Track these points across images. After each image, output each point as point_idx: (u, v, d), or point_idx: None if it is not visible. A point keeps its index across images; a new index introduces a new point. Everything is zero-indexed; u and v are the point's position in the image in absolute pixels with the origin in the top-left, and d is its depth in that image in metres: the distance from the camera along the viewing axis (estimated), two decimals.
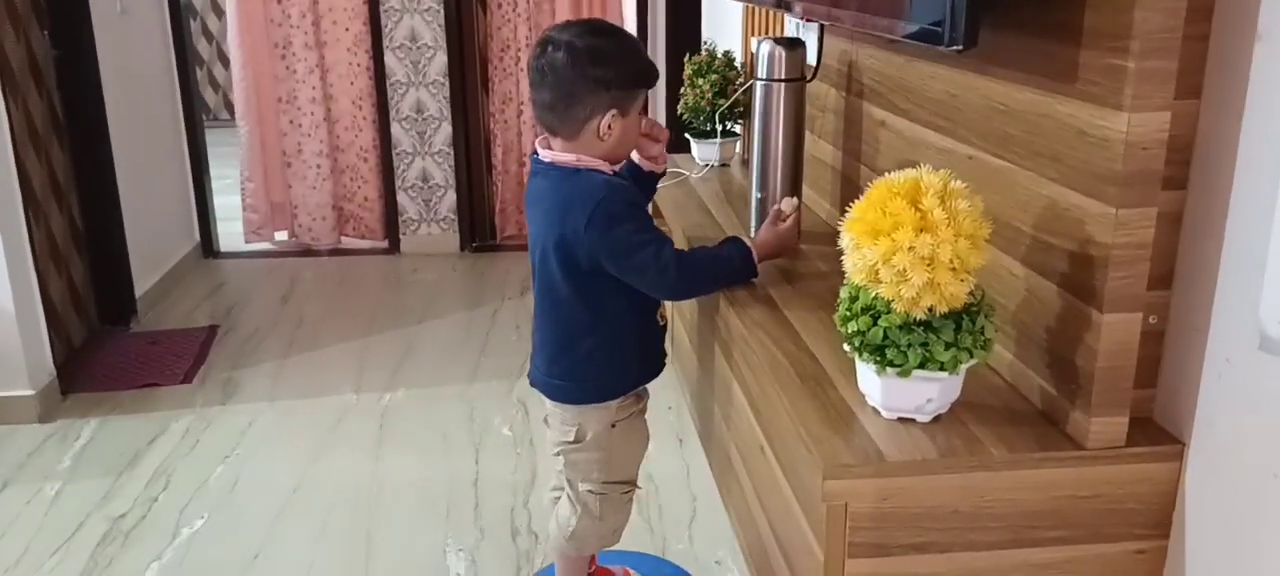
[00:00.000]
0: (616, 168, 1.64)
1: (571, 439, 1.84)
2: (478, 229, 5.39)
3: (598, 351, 1.75)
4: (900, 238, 1.11)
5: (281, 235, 5.39)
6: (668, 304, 1.89)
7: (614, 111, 1.57)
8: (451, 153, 5.22)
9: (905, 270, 1.11)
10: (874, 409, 1.27)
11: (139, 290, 4.37)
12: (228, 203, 5.43)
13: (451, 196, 5.30)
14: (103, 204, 4.13)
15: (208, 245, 5.25)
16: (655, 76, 1.61)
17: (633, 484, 1.96)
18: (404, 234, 5.33)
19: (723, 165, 2.89)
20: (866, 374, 1.24)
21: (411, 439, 3.34)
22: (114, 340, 4.10)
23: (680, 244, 1.99)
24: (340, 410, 3.53)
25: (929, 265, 1.11)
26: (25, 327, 3.36)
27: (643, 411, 1.92)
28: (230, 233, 5.36)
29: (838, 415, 1.27)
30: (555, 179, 1.61)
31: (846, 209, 1.27)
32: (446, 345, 4.14)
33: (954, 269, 1.12)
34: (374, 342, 4.15)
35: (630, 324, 1.75)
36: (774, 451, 1.39)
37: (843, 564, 1.17)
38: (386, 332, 4.27)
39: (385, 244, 5.37)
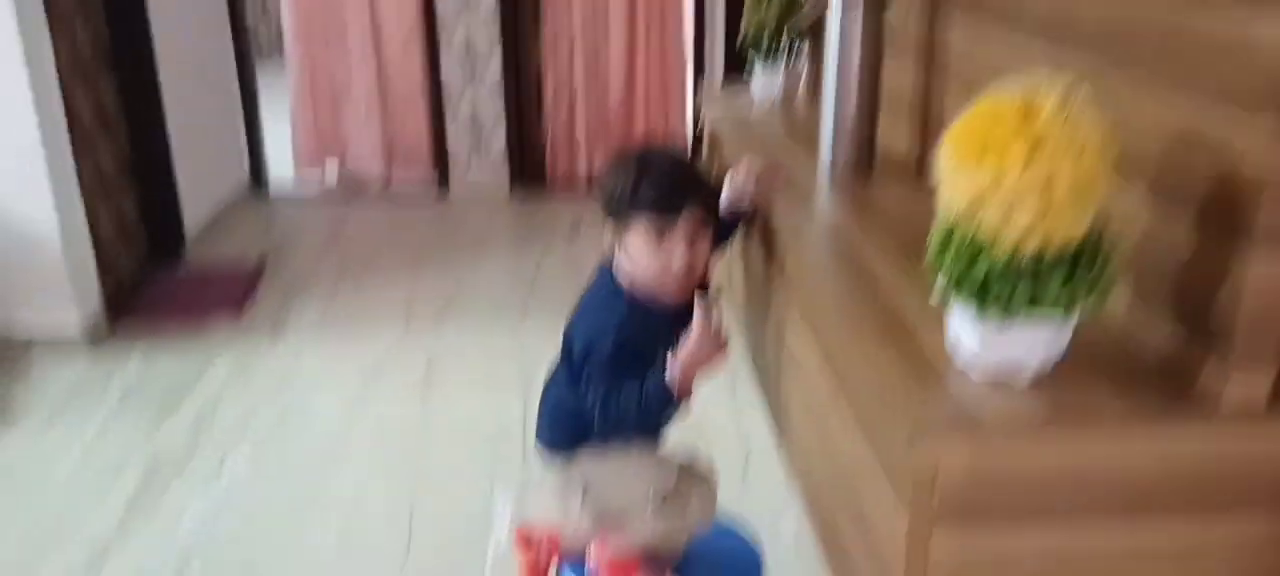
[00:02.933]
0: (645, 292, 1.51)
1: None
2: (527, 169, 5.26)
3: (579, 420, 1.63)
4: (1011, 161, 0.95)
5: (331, 171, 5.32)
6: None
7: (611, 234, 1.54)
8: (502, 88, 5.08)
9: (1015, 200, 0.96)
10: (967, 361, 1.12)
11: (189, 224, 4.33)
12: (278, 138, 5.36)
13: (502, 134, 5.17)
14: (152, 137, 4.07)
15: (258, 180, 5.20)
16: (648, 200, 1.44)
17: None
18: (453, 172, 5.22)
19: (784, 100, 2.72)
20: (961, 321, 1.09)
21: (459, 379, 3.25)
22: (163, 274, 4.06)
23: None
24: (388, 348, 3.46)
25: (1044, 194, 0.96)
26: (73, 259, 3.32)
27: None
28: (280, 168, 5.30)
29: (926, 368, 1.13)
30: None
31: (931, 142, 1.11)
32: (495, 285, 4.04)
33: (1072, 199, 0.96)
34: (422, 281, 4.07)
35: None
36: (849, 405, 1.25)
37: (929, 533, 1.04)
38: (435, 271, 4.18)
39: (434, 182, 5.28)
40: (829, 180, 1.89)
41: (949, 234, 1.06)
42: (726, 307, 2.54)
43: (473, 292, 3.97)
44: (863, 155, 1.86)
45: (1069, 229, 0.98)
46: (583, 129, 5.25)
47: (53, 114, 3.25)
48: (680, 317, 1.47)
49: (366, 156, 5.24)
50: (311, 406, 3.08)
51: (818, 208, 1.77)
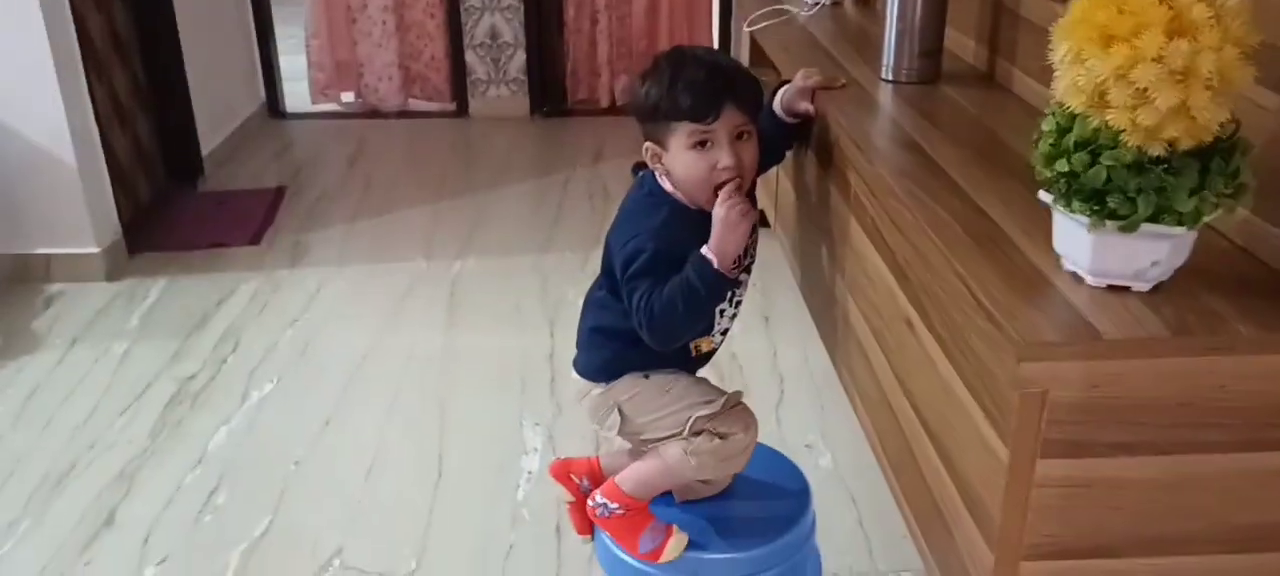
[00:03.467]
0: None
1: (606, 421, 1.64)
2: (548, 92, 5.13)
3: (617, 338, 1.52)
4: (1145, 44, 0.84)
5: (348, 96, 5.20)
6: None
7: (649, 146, 1.42)
8: (521, 8, 4.92)
9: (1148, 88, 0.85)
10: (1074, 274, 1.02)
11: (205, 149, 4.23)
12: (293, 62, 5.23)
13: (521, 56, 5.03)
14: (166, 61, 3.96)
15: (274, 105, 5.09)
16: (685, 105, 1.33)
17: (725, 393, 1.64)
18: (472, 96, 5.09)
19: (835, 1, 2.57)
20: (1070, 229, 0.99)
21: (484, 309, 3.18)
22: (181, 199, 3.98)
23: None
24: (411, 277, 3.38)
25: (1182, 82, 0.85)
26: (89, 184, 3.24)
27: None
28: (296, 93, 5.18)
29: (1027, 282, 1.03)
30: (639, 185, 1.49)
31: (1002, 44, 0.99)
32: (518, 213, 3.95)
33: (1211, 87, 0.85)
34: (444, 208, 3.98)
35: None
36: (931, 324, 1.16)
37: (1032, 464, 0.95)
38: (456, 199, 4.09)
39: (453, 106, 5.15)
40: (891, 88, 1.78)
41: (1061, 132, 0.95)
42: (781, 238, 2.45)
43: (496, 219, 3.88)
44: (929, 60, 1.75)
45: (1206, 124, 0.87)
46: (605, 51, 5.10)
47: (65, 38, 3.13)
48: None
49: (383, 81, 5.11)
50: (335, 334, 3.01)
51: (881, 116, 1.65)
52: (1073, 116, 0.94)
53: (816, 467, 2.38)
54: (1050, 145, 0.96)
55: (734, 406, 1.51)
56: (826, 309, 1.75)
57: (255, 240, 3.62)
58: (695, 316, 1.38)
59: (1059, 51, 0.92)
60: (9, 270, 3.26)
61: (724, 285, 1.37)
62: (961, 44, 1.90)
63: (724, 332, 1.56)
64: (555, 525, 2.20)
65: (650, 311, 1.36)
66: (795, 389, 2.71)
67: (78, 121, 3.17)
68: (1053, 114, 0.97)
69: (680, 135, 1.36)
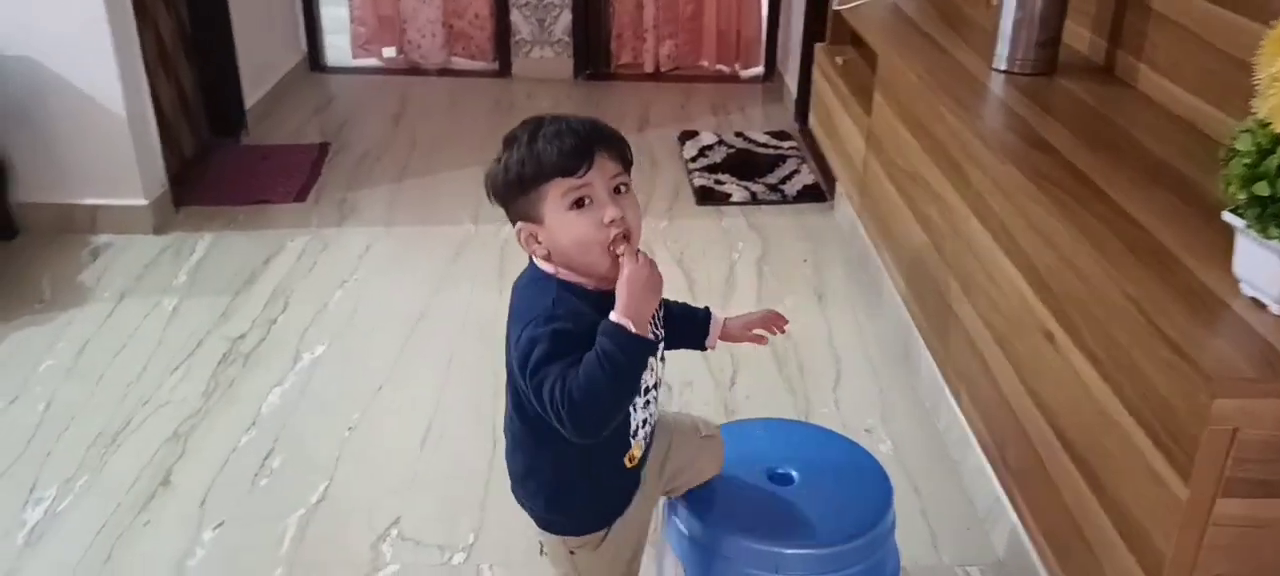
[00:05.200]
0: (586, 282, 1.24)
1: (540, 550, 1.48)
2: (593, 54, 5.05)
3: (551, 482, 1.36)
4: None
5: (389, 51, 5.13)
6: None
7: (521, 227, 1.24)
8: None
9: None
10: (1255, 299, 0.97)
11: (247, 102, 4.18)
12: (334, 15, 5.16)
13: (567, 17, 4.94)
14: (210, 9, 3.89)
15: (314, 58, 5.02)
16: (552, 160, 1.18)
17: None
18: (515, 56, 5.02)
19: None
20: (1261, 255, 0.93)
21: None
22: (225, 153, 3.93)
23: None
24: (459, 240, 3.33)
25: None
26: (138, 135, 3.19)
27: (627, 521, 1.44)
28: (336, 46, 5.11)
29: (1204, 307, 0.97)
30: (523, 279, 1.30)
31: (1124, 36, 0.92)
32: None
33: None
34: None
35: (588, 462, 1.32)
36: (1082, 341, 1.10)
37: (1212, 502, 0.90)
38: None
39: (496, 66, 5.08)
40: (1005, 79, 1.70)
41: (1262, 153, 0.89)
42: (867, 222, 2.38)
43: None
44: (1047, 51, 1.67)
45: None
46: (651, 14, 5.00)
47: None
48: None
49: (426, 37, 5.03)
50: (385, 296, 2.97)
51: (999, 109, 1.58)
52: (1277, 138, 0.87)
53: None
54: (1246, 166, 0.90)
55: None
56: (931, 303, 1.69)
57: (301, 197, 3.58)
58: (621, 391, 1.18)
59: (1266, 69, 0.86)
60: (55, 220, 3.22)
61: (645, 349, 1.18)
62: (1076, 34, 1.82)
63: (647, 432, 1.38)
64: None
65: (569, 397, 1.14)
66: (852, 370, 2.66)
67: (128, 70, 3.11)
68: (1251, 132, 0.91)
69: (553, 198, 1.19)
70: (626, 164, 1.23)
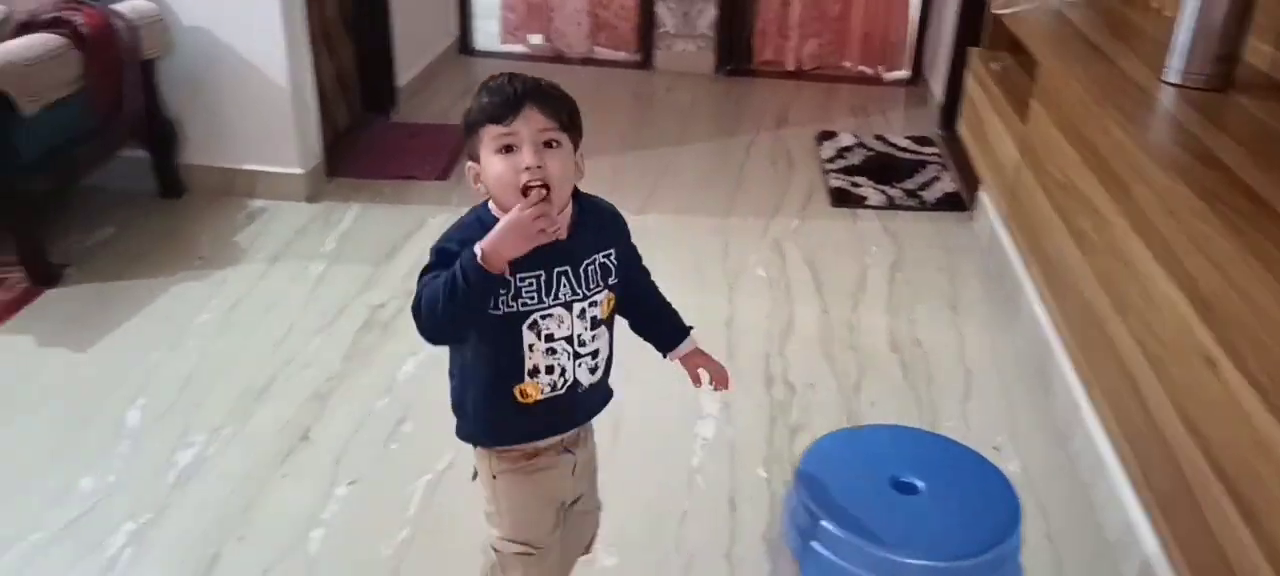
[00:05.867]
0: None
1: (473, 475, 1.59)
2: (735, 50, 5.04)
3: (458, 388, 1.51)
4: None
5: (535, 38, 5.24)
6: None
7: (469, 165, 1.39)
8: None
9: None
10: None
11: (400, 81, 4.34)
12: (486, 1, 5.30)
13: (711, 12, 4.94)
14: None
15: (464, 42, 5.17)
16: (486, 109, 1.31)
17: (533, 548, 1.59)
18: (657, 48, 5.05)
19: None
20: None
21: (664, 268, 3.07)
22: (375, 128, 4.10)
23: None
24: None
25: None
26: (299, 107, 3.36)
27: (546, 467, 1.55)
28: (485, 32, 5.25)
29: None
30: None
31: None
32: (700, 173, 3.90)
33: None
34: (627, 161, 3.96)
35: (478, 376, 1.46)
36: (1247, 370, 1.03)
37: None
38: (639, 152, 4.07)
39: (638, 57, 5.12)
40: (1176, 93, 1.62)
41: None
42: (1015, 233, 2.31)
43: (677, 176, 3.84)
44: (1224, 65, 1.58)
45: None
46: (797, 13, 4.96)
47: None
48: (555, 246, 1.33)
49: (572, 26, 5.12)
50: None
51: (1169, 124, 1.50)
52: None
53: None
54: None
55: (525, 555, 1.54)
56: (1079, 320, 1.62)
57: (444, 175, 3.70)
58: (457, 309, 1.29)
59: None
60: (217, 183, 3.43)
61: (488, 282, 1.28)
62: (1256, 50, 1.71)
63: (557, 380, 1.45)
64: (729, 496, 2.16)
65: (417, 300, 1.33)
66: (983, 384, 2.58)
67: (294, 45, 3.28)
68: None
69: (486, 142, 1.32)
70: (561, 121, 1.33)
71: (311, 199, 3.45)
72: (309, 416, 2.36)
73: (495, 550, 1.59)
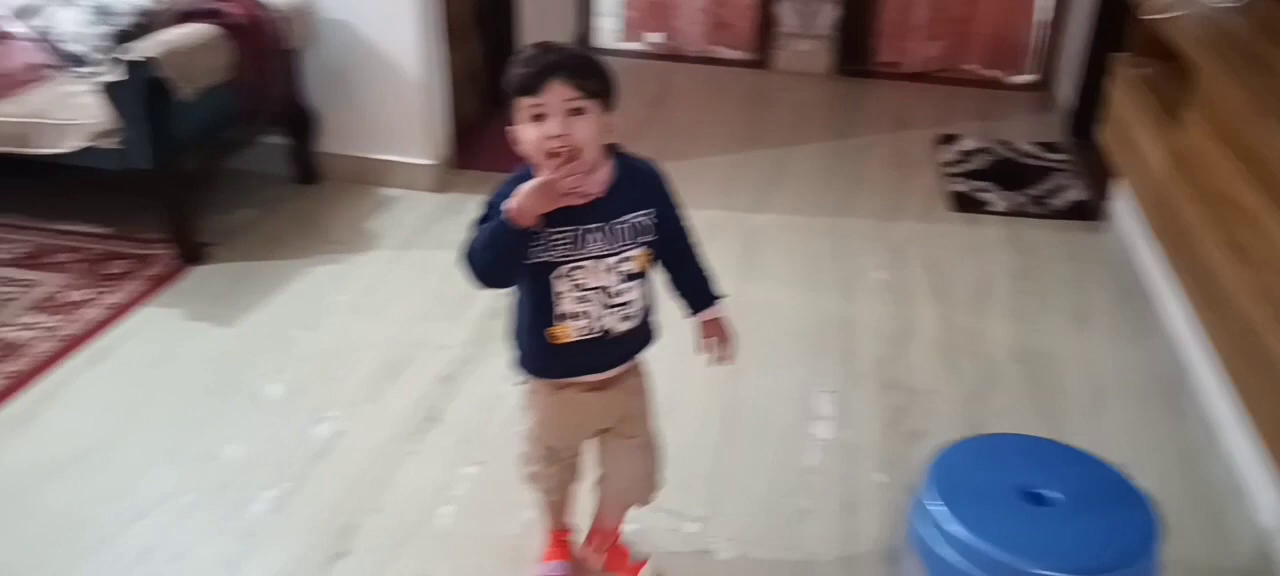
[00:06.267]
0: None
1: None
2: (854, 51, 4.99)
3: (512, 323, 1.71)
4: None
5: (654, 36, 5.29)
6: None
7: (509, 130, 1.53)
8: None
9: None
10: None
11: None
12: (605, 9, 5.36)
13: (833, 12, 4.90)
14: None
15: (585, 39, 5.25)
16: (516, 80, 1.46)
17: (550, 451, 1.82)
18: (776, 48, 5.04)
19: None
20: None
21: (778, 267, 3.15)
22: (499, 122, 4.18)
23: None
24: (707, 224, 3.30)
25: None
26: (430, 100, 3.47)
27: (573, 399, 1.72)
28: (606, 30, 5.31)
29: None
30: None
31: None
32: (817, 173, 3.88)
33: None
34: (742, 159, 3.97)
35: (522, 316, 1.65)
36: None
37: None
38: (755, 151, 4.07)
39: (755, 57, 5.12)
40: None
41: None
42: (1165, 246, 2.25)
43: (794, 176, 3.83)
44: None
45: None
46: (921, 14, 4.88)
47: None
48: (587, 206, 1.50)
49: (691, 24, 5.15)
50: None
51: None
52: None
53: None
54: None
55: (544, 456, 1.80)
56: (1235, 337, 1.57)
57: None
58: (493, 258, 1.52)
59: None
60: (352, 171, 3.57)
61: (518, 236, 1.47)
62: None
63: (590, 325, 1.59)
64: (845, 499, 2.16)
65: (463, 247, 1.56)
66: (1111, 399, 2.52)
67: (428, 38, 3.39)
68: None
69: (521, 111, 1.47)
70: (587, 91, 1.45)
71: (439, 189, 3.56)
72: (437, 397, 2.45)
73: (525, 441, 1.84)
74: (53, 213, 3.23)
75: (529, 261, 1.54)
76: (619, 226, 1.56)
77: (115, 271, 2.95)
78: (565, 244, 1.54)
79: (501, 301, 2.82)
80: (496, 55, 4.23)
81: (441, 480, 2.18)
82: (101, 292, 2.83)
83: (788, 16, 4.96)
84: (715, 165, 3.90)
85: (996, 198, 3.60)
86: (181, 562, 1.95)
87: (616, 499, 1.91)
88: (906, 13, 4.90)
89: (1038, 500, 1.54)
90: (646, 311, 1.68)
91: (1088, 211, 3.52)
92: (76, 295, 2.81)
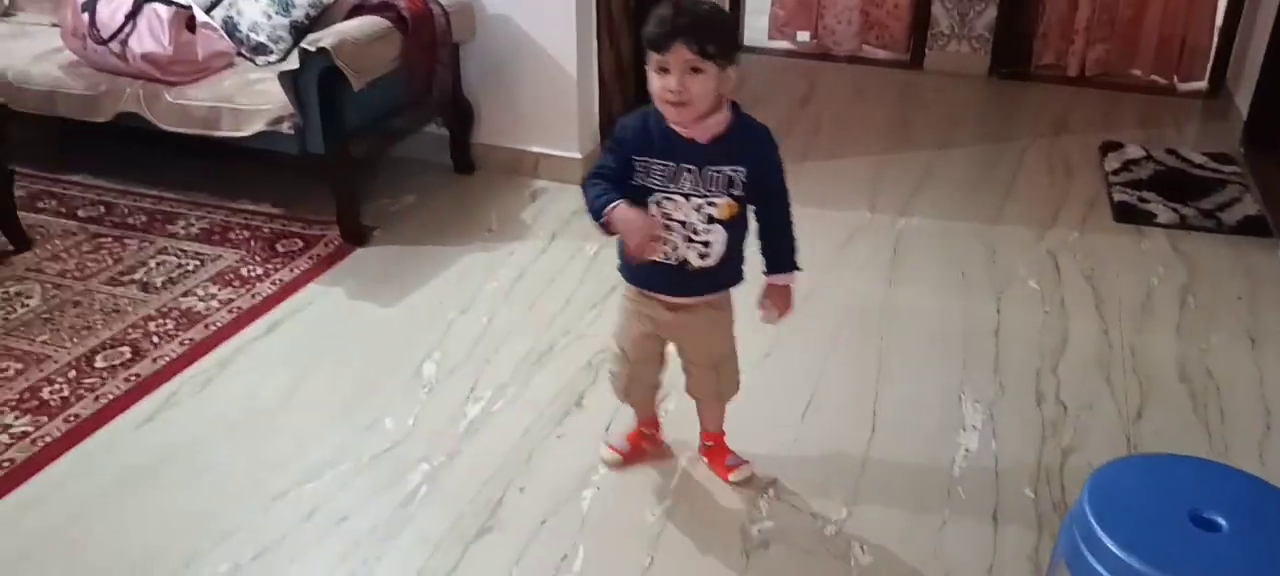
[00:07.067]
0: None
1: None
2: (1012, 52, 4.82)
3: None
4: None
5: (803, 35, 5.25)
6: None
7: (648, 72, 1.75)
8: None
9: None
10: None
11: None
12: (756, 5, 5.36)
13: (991, 12, 4.76)
14: None
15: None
16: (647, 35, 1.70)
17: (622, 353, 2.05)
18: (930, 49, 4.92)
19: None
20: None
21: (927, 271, 3.09)
22: None
23: None
24: (853, 226, 3.36)
25: None
26: (583, 95, 3.55)
27: (649, 310, 1.96)
28: (753, 27, 5.31)
29: None
30: None
31: None
32: (968, 177, 3.78)
33: None
34: (891, 161, 3.91)
35: None
36: None
37: None
38: (904, 152, 3.99)
39: (907, 56, 5.02)
40: None
41: None
42: None
43: (944, 179, 3.75)
44: None
45: None
46: (1085, 15, 4.68)
47: None
48: (689, 149, 1.75)
49: (842, 23, 5.09)
50: None
51: None
52: None
53: None
54: None
55: (617, 356, 2.07)
56: None
57: None
58: (590, 214, 1.81)
59: None
60: (506, 162, 3.68)
61: (601, 227, 1.80)
62: None
63: (670, 252, 1.83)
64: (993, 511, 2.11)
65: (589, 175, 1.85)
66: None
67: (583, 36, 3.47)
68: None
69: (651, 62, 1.70)
70: (706, 53, 1.65)
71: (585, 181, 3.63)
72: (583, 384, 2.51)
73: (610, 339, 2.09)
74: (231, 191, 3.46)
75: (633, 183, 1.79)
76: (712, 173, 1.76)
77: (285, 249, 3.14)
78: (663, 175, 1.77)
79: None
80: (643, 52, 4.28)
81: (585, 464, 2.23)
82: (273, 268, 3.02)
83: (943, 17, 4.84)
84: (863, 166, 3.85)
85: (1162, 209, 3.43)
86: (344, 525, 2.07)
87: (701, 403, 2.16)
88: (1071, 14, 4.71)
89: (1204, 525, 1.47)
90: (729, 257, 1.85)
91: (1263, 227, 3.31)
92: (250, 270, 3.01)
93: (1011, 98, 4.70)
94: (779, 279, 1.95)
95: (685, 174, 1.76)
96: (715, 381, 2.08)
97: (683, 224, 1.80)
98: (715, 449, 2.20)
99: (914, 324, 2.79)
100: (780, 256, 1.93)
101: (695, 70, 1.66)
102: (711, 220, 1.79)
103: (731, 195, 1.78)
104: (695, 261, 1.83)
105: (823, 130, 4.23)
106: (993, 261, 3.14)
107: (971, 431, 2.36)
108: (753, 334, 2.71)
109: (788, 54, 5.23)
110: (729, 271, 1.90)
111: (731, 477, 2.16)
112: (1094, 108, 4.50)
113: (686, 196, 1.78)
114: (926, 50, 4.92)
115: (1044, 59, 4.84)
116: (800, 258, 1.93)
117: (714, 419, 2.17)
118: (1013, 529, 2.07)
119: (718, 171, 1.76)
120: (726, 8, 4.31)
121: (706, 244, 1.81)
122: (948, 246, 3.23)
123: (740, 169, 1.77)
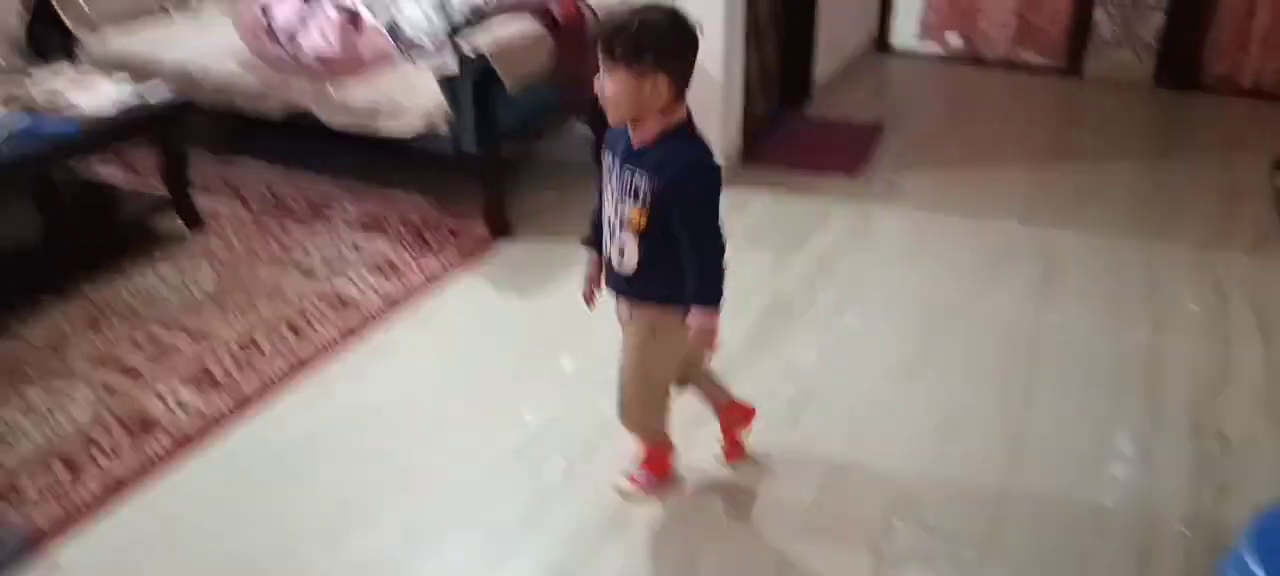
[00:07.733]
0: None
1: None
2: (1180, 62, 4.57)
3: None
4: None
5: (954, 39, 5.10)
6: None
7: None
8: None
9: None
10: None
11: (817, 76, 4.43)
12: (908, 6, 5.24)
13: (1159, 18, 4.52)
14: None
15: (882, 40, 5.17)
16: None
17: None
18: (1090, 56, 4.71)
19: None
20: None
21: (1080, 290, 2.97)
22: (789, 121, 4.23)
23: None
24: (1004, 239, 3.26)
25: None
26: (728, 100, 3.56)
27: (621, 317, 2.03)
28: (902, 31, 5.20)
29: None
30: None
31: None
32: (1129, 193, 3.60)
33: None
34: (1046, 173, 3.77)
35: None
36: None
37: None
38: (1060, 164, 3.84)
39: (1064, 64, 4.82)
40: None
41: None
42: None
43: (1103, 195, 3.59)
44: None
45: None
46: (1264, 23, 4.39)
47: None
48: (624, 148, 1.81)
49: (996, 27, 4.93)
50: (921, 282, 3.01)
51: None
52: None
53: None
54: None
55: None
56: None
57: (853, 172, 3.74)
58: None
59: None
60: None
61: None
62: None
63: (605, 241, 1.93)
64: (1142, 547, 2.02)
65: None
66: None
67: (731, 41, 3.47)
68: None
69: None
70: (612, 56, 1.72)
71: (726, 185, 3.63)
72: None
73: None
74: (385, 182, 3.62)
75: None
76: (627, 176, 1.81)
77: (434, 241, 3.26)
78: (608, 166, 1.86)
79: (781, 301, 2.89)
80: (792, 55, 4.27)
81: (715, 469, 2.24)
82: (422, 259, 3.14)
83: (1106, 23, 4.63)
84: (1016, 179, 3.72)
85: None
86: (484, 512, 2.14)
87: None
88: (1248, 22, 4.42)
89: None
90: (645, 270, 1.86)
91: None
92: (401, 259, 3.14)
93: (1180, 110, 4.45)
94: (691, 311, 1.88)
95: (616, 171, 1.84)
96: (620, 390, 2.07)
97: (610, 220, 1.89)
98: (648, 460, 2.20)
99: (1066, 347, 2.69)
100: (689, 288, 1.87)
101: (609, 72, 1.74)
102: (624, 221, 1.84)
103: (636, 202, 1.81)
104: (615, 260, 1.91)
105: (974, 140, 4.11)
106: (1152, 283, 3.00)
107: (1122, 461, 2.26)
108: (889, 346, 2.69)
109: (938, 58, 5.10)
110: (647, 286, 1.90)
111: (619, 485, 2.18)
112: (1271, 123, 4.22)
113: (613, 193, 1.86)
114: (1086, 58, 4.70)
115: (1216, 69, 4.56)
116: (722, 298, 1.89)
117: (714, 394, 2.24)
118: (1162, 566, 1.98)
119: (631, 175, 1.80)
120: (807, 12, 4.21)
121: (622, 249, 1.87)
122: (1104, 265, 3.09)
123: (651, 178, 1.78)
